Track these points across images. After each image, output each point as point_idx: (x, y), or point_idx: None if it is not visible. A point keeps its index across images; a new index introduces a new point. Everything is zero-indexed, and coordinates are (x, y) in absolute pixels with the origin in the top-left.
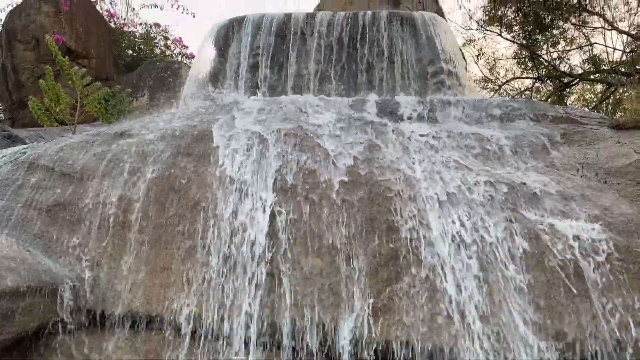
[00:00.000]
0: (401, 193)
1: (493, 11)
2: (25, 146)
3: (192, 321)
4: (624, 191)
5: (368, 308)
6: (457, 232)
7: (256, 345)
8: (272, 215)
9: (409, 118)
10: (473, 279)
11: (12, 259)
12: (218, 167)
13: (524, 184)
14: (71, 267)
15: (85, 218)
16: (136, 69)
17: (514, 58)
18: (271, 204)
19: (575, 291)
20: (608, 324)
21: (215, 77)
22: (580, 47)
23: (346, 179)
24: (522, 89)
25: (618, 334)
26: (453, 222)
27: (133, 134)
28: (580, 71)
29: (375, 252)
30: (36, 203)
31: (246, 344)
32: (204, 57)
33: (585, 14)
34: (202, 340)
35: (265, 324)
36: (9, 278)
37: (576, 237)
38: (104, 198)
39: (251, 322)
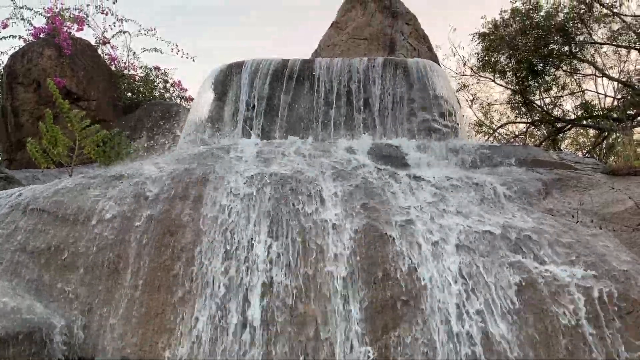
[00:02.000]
0: (398, 239)
1: (486, 57)
2: (21, 188)
3: None
4: (620, 237)
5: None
6: (456, 281)
7: None
8: (268, 255)
9: (406, 164)
10: (467, 331)
11: (4, 305)
12: (213, 210)
13: (520, 230)
14: (63, 313)
15: (79, 262)
16: (135, 111)
17: (508, 103)
18: (267, 245)
19: (573, 339)
20: None
21: (213, 120)
22: (572, 93)
23: (340, 224)
24: (517, 133)
25: None
26: (450, 270)
27: (130, 177)
28: (573, 116)
29: (372, 298)
30: (30, 247)
31: None
32: (203, 100)
33: (576, 61)
34: None
35: None
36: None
37: (573, 285)
38: (98, 242)
39: None
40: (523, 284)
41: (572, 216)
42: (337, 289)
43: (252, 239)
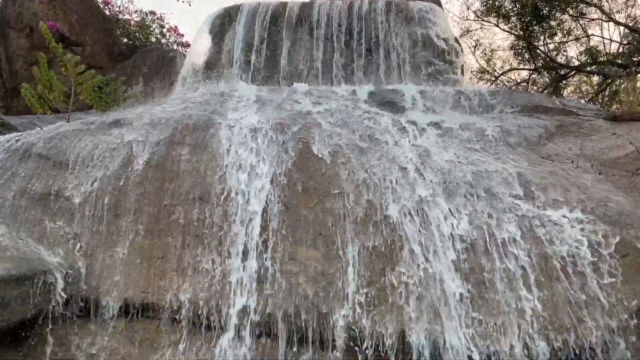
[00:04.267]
0: (397, 183)
1: (490, 1)
2: (18, 134)
3: (187, 310)
4: (619, 182)
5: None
6: (452, 223)
7: (251, 335)
8: (268, 204)
9: (407, 108)
10: (467, 270)
11: (5, 247)
12: (213, 156)
13: (520, 175)
14: (65, 256)
15: (79, 207)
16: (131, 57)
17: (511, 49)
18: (267, 193)
19: (569, 281)
20: (603, 313)
21: (211, 66)
22: (577, 39)
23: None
24: (519, 81)
25: (613, 323)
26: (449, 213)
27: (127, 123)
28: (577, 63)
29: (370, 242)
30: (29, 192)
31: (242, 333)
32: (200, 46)
33: (582, 5)
34: (197, 328)
35: (260, 313)
36: (2, 267)
37: (571, 228)
38: (97, 187)
39: (247, 311)
40: (521, 227)
41: (572, 162)
42: (337, 232)
43: (251, 184)
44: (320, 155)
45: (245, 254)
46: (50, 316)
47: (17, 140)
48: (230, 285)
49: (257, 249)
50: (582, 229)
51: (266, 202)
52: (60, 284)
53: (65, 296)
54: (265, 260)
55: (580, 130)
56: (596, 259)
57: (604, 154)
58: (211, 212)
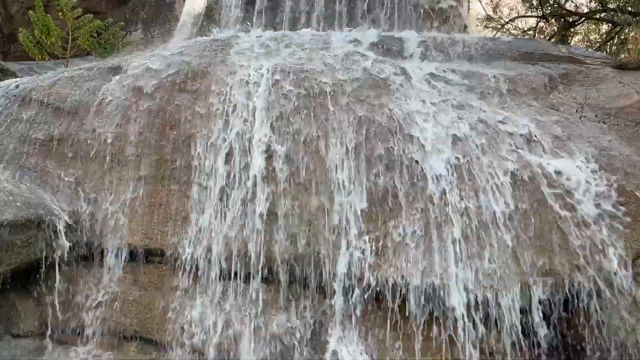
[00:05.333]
0: (399, 130)
1: None
2: (17, 80)
3: (191, 255)
4: (624, 132)
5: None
6: (453, 171)
7: (254, 278)
8: (269, 150)
9: (410, 56)
10: (467, 217)
11: (10, 192)
12: (214, 103)
13: (523, 124)
14: (69, 202)
15: (81, 153)
16: (129, 2)
17: None
18: (268, 139)
19: (568, 228)
20: (600, 259)
21: (210, 10)
22: None
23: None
24: (526, 29)
25: (609, 269)
26: (449, 161)
27: (127, 69)
28: (586, 10)
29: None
30: (31, 138)
31: (245, 277)
32: None
33: None
34: (201, 272)
35: (262, 257)
36: (7, 211)
37: (573, 177)
38: (99, 134)
39: (249, 255)
40: (522, 176)
41: (577, 111)
42: (338, 182)
43: (253, 132)
44: (321, 99)
45: (246, 201)
46: (56, 261)
47: (17, 86)
48: (233, 232)
49: (258, 196)
50: (583, 177)
51: (266, 149)
52: (65, 229)
53: (70, 241)
54: (267, 206)
55: (586, 78)
56: (596, 207)
57: (609, 103)
58: (213, 159)
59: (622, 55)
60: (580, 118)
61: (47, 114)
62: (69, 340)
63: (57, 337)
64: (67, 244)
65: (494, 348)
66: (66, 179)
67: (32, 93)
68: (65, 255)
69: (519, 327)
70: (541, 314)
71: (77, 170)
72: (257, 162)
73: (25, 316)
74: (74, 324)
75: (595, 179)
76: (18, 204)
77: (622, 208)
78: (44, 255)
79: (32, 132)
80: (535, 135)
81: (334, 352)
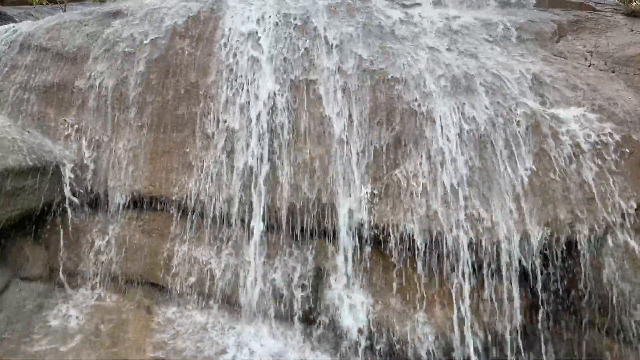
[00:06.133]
0: (405, 80)
1: None
2: (15, 25)
3: (194, 202)
4: (632, 80)
5: (366, 191)
6: (458, 119)
7: (257, 225)
8: (272, 98)
9: (418, 4)
10: (469, 166)
11: (14, 140)
12: (216, 49)
13: (530, 72)
14: (72, 149)
15: (82, 100)
16: None
17: None
18: (270, 90)
19: (571, 177)
20: (602, 209)
21: None
22: None
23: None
24: None
25: (610, 218)
26: (455, 109)
27: (126, 14)
28: None
29: (377, 137)
30: (31, 84)
31: (248, 224)
32: None
33: None
34: (204, 220)
35: (265, 205)
36: (11, 158)
37: (578, 126)
38: (100, 81)
39: (252, 203)
40: (526, 124)
41: (585, 59)
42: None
43: (255, 79)
44: (324, 48)
45: (248, 149)
46: (62, 207)
47: (15, 31)
48: (236, 180)
49: (260, 144)
50: (589, 127)
51: (270, 96)
52: (69, 175)
53: (74, 188)
54: (270, 157)
55: (596, 26)
56: (600, 157)
57: (618, 52)
58: (215, 106)
59: (634, 2)
60: (588, 66)
61: (46, 60)
62: (76, 284)
63: (65, 281)
64: (72, 190)
65: (494, 294)
66: (68, 126)
67: (31, 39)
68: (71, 201)
69: (519, 275)
70: (541, 262)
71: (79, 117)
72: (261, 112)
73: (34, 260)
74: (81, 268)
75: (600, 128)
76: (22, 151)
77: (627, 157)
78: (50, 201)
79: (32, 79)
80: (540, 84)
81: (335, 296)
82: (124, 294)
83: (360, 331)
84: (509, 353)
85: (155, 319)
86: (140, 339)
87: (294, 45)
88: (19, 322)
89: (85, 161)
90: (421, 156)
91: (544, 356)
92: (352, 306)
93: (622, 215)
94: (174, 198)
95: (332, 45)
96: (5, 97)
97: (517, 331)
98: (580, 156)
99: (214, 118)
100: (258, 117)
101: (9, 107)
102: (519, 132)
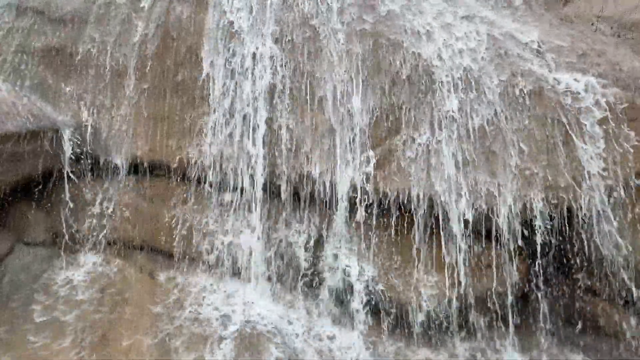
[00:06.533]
0: (405, 43)
1: None
2: None
3: (195, 168)
4: (638, 46)
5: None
6: (461, 83)
7: (258, 192)
8: (272, 61)
9: None
10: (471, 132)
11: (12, 104)
12: (216, 13)
13: (534, 36)
14: (71, 114)
15: (81, 65)
16: None
17: None
18: (271, 53)
19: (573, 143)
20: (604, 178)
21: None
22: None
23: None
24: None
25: (612, 184)
26: (457, 73)
27: None
28: None
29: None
30: (29, 48)
31: (249, 190)
32: None
33: None
34: (206, 186)
35: (265, 171)
36: (10, 122)
37: (582, 92)
38: (98, 45)
39: (254, 169)
40: (530, 89)
41: (592, 24)
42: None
43: (257, 45)
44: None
45: (249, 114)
46: (63, 173)
47: None
48: (237, 146)
49: (262, 110)
50: (592, 93)
51: (270, 58)
52: (69, 140)
53: (75, 153)
54: (271, 121)
55: None
56: (604, 123)
57: (625, 16)
58: (216, 71)
59: None
60: (594, 31)
61: (43, 24)
62: (79, 249)
63: (68, 246)
64: (72, 156)
65: (493, 259)
66: (67, 90)
67: (27, 2)
68: (72, 166)
69: (518, 240)
70: (541, 228)
71: (78, 82)
72: (263, 75)
73: (36, 226)
74: (83, 233)
75: (605, 93)
76: (21, 115)
77: (631, 123)
78: (50, 166)
79: (29, 43)
80: (545, 48)
81: (336, 261)
82: (127, 259)
83: (360, 295)
84: (509, 317)
85: (158, 283)
86: (143, 302)
87: (293, 9)
88: (24, 286)
89: (85, 127)
90: (423, 122)
91: (540, 321)
92: (354, 271)
93: (625, 182)
94: (174, 164)
95: (332, 8)
96: (4, 61)
97: (514, 296)
98: (584, 122)
99: (215, 83)
100: (259, 80)
101: (7, 72)
102: (522, 97)
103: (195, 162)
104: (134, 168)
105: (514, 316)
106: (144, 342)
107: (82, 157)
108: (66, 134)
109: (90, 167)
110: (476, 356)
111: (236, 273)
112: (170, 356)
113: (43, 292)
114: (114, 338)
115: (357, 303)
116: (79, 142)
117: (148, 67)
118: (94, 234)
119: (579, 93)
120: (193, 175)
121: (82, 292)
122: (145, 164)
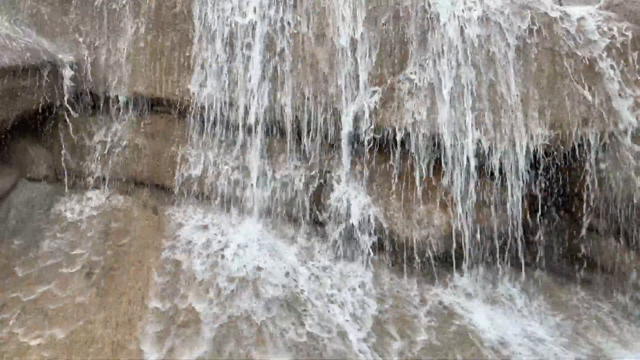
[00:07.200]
0: None
1: None
2: None
3: (195, 105)
4: None
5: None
6: (466, 20)
7: (260, 128)
8: None
9: None
10: (477, 67)
11: (8, 37)
12: None
13: None
14: (69, 48)
15: None
16: None
17: None
18: None
19: (583, 77)
20: (610, 111)
21: None
22: None
23: None
24: None
25: (618, 120)
26: (463, 9)
27: None
28: None
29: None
30: None
31: (251, 127)
32: None
33: None
34: (207, 123)
35: (267, 109)
36: (7, 56)
37: (588, 26)
38: None
39: (255, 105)
40: (536, 23)
41: None
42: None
43: None
44: None
45: (250, 48)
46: (63, 109)
47: None
48: (238, 81)
49: (264, 45)
50: (603, 27)
51: None
52: (68, 74)
53: (74, 88)
54: (273, 57)
55: None
56: (611, 58)
57: None
58: (215, 2)
59: None
60: None
61: None
62: (82, 185)
63: (71, 182)
64: (71, 91)
65: (494, 198)
66: (63, 24)
67: None
68: (71, 102)
69: (521, 177)
70: (545, 164)
71: (75, 16)
72: (262, 5)
73: (38, 161)
74: (85, 169)
75: (615, 27)
76: (18, 49)
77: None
78: (50, 102)
79: None
80: None
81: (339, 198)
82: (130, 194)
83: (363, 231)
84: (506, 253)
85: (161, 219)
86: (148, 237)
87: None
88: (29, 220)
89: (82, 61)
90: (427, 59)
91: (542, 258)
92: (356, 209)
93: (635, 117)
94: (174, 100)
95: None
96: None
97: (517, 233)
98: (590, 57)
99: (215, 16)
100: (260, 13)
101: (2, 6)
102: (530, 30)
103: (195, 98)
104: (134, 104)
105: (514, 252)
106: (149, 273)
107: (81, 93)
108: (64, 69)
109: (89, 103)
110: (476, 290)
111: (238, 208)
112: (175, 288)
113: (49, 225)
114: (122, 268)
115: (358, 238)
116: (76, 77)
117: (145, 2)
118: (96, 170)
119: (589, 26)
120: (193, 112)
121: (88, 227)
122: (145, 100)
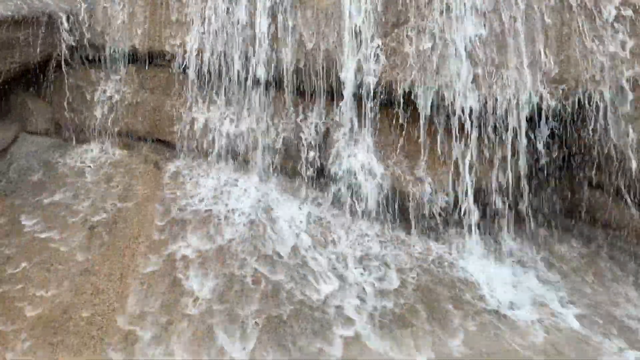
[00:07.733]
0: None
1: None
2: None
3: (195, 59)
4: None
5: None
6: None
7: (261, 82)
8: None
9: None
10: (485, 23)
11: None
12: None
13: None
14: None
15: None
16: None
17: None
18: None
19: (588, 37)
20: (618, 68)
21: None
22: None
23: None
24: None
25: (625, 77)
26: None
27: None
28: None
29: None
30: None
31: (252, 81)
32: None
33: None
34: (206, 76)
35: (270, 62)
36: (3, 7)
37: None
38: None
39: (255, 58)
40: None
41: None
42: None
43: None
44: None
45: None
46: (62, 61)
47: None
48: (238, 34)
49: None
50: None
51: None
52: (65, 26)
53: (72, 41)
54: (274, 9)
55: None
56: (622, 16)
57: None
58: None
59: None
60: None
61: None
62: (83, 139)
63: (72, 136)
64: (68, 43)
65: (498, 153)
66: None
67: None
68: (69, 54)
69: (525, 135)
70: (549, 121)
71: None
72: None
73: (38, 115)
74: (85, 123)
75: None
76: (14, 1)
77: None
78: (48, 54)
79: None
80: None
81: (341, 155)
82: (132, 149)
83: (367, 188)
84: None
85: (163, 174)
86: (151, 192)
87: None
88: (30, 173)
89: (80, 13)
90: (433, 11)
91: (544, 214)
92: (359, 165)
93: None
94: (173, 54)
95: None
96: None
97: (515, 188)
98: (602, 8)
99: None
100: None
101: None
102: None
103: (195, 52)
104: (133, 57)
105: (513, 208)
106: (152, 226)
107: (79, 45)
108: (62, 19)
109: (88, 56)
110: (477, 245)
111: (240, 163)
112: (177, 239)
113: (50, 179)
114: (123, 221)
115: (363, 194)
116: (74, 29)
117: None
118: (96, 124)
119: None
120: (193, 66)
121: (90, 180)
122: (144, 53)
